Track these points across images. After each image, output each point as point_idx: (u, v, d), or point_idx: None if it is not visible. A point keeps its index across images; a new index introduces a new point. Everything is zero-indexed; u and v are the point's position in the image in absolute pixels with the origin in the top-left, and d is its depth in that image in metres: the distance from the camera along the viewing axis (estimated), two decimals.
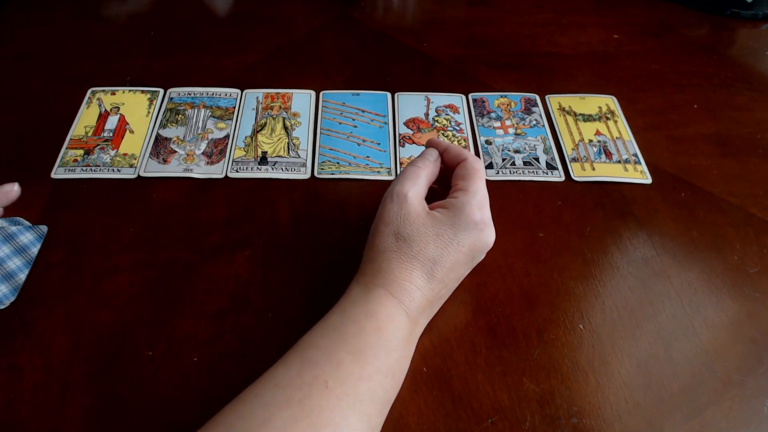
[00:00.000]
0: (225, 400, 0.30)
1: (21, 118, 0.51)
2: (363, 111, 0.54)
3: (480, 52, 0.62)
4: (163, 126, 0.51)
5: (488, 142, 0.51)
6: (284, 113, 0.53)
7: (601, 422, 0.34)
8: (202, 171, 0.47)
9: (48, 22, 0.64)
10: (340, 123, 0.52)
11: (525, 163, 0.49)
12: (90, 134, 0.50)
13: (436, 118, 0.53)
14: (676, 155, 0.51)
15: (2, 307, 0.37)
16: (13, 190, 0.40)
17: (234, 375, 0.35)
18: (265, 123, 0.52)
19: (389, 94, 0.55)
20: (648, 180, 0.48)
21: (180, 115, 0.52)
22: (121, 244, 0.42)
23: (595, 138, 0.52)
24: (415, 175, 0.37)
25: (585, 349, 0.37)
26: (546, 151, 0.50)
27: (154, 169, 0.47)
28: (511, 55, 0.61)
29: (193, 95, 0.54)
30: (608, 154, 0.50)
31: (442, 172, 0.40)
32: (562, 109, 0.55)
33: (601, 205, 0.46)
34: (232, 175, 0.47)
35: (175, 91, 0.54)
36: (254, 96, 0.54)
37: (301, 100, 0.54)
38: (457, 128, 0.52)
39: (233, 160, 0.48)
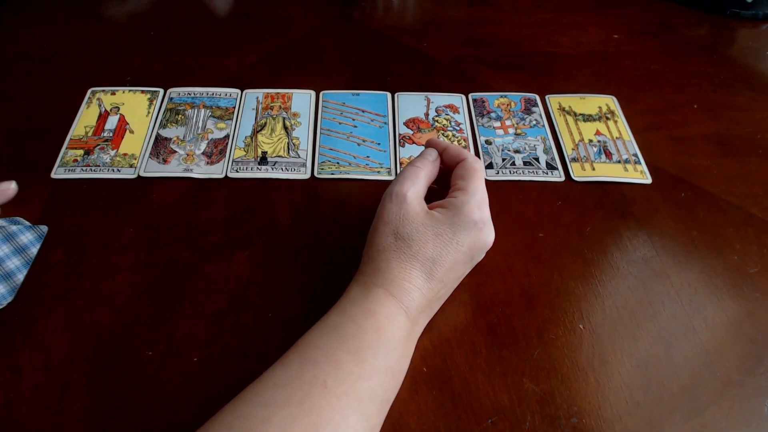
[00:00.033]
0: (225, 400, 0.30)
1: (21, 118, 0.51)
2: (363, 111, 0.54)
3: (480, 52, 0.62)
4: (163, 126, 0.51)
5: (488, 142, 0.51)
6: (284, 113, 0.53)
7: (601, 422, 0.34)
8: (202, 171, 0.47)
9: (48, 22, 0.64)
10: (340, 123, 0.52)
11: (525, 163, 0.49)
12: (90, 134, 0.50)
13: (436, 118, 0.53)
14: (676, 155, 0.51)
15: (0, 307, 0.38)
16: (10, 188, 0.40)
17: (234, 375, 0.35)
18: (265, 123, 0.52)
19: (389, 94, 0.55)
20: (648, 180, 0.48)
21: (180, 115, 0.52)
22: (121, 244, 0.42)
23: (595, 138, 0.52)
24: (414, 175, 0.37)
25: (585, 349, 0.37)
26: (546, 151, 0.50)
27: (154, 169, 0.47)
28: (511, 55, 0.61)
29: (193, 95, 0.54)
30: (608, 154, 0.50)
31: (442, 172, 0.40)
32: (562, 109, 0.55)
33: (601, 205, 0.46)
34: (232, 175, 0.47)
35: (175, 91, 0.55)
36: (254, 96, 0.54)
37: (301, 100, 0.54)
38: (457, 128, 0.52)
39: (233, 160, 0.48)
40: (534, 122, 0.53)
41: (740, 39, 0.66)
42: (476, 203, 0.35)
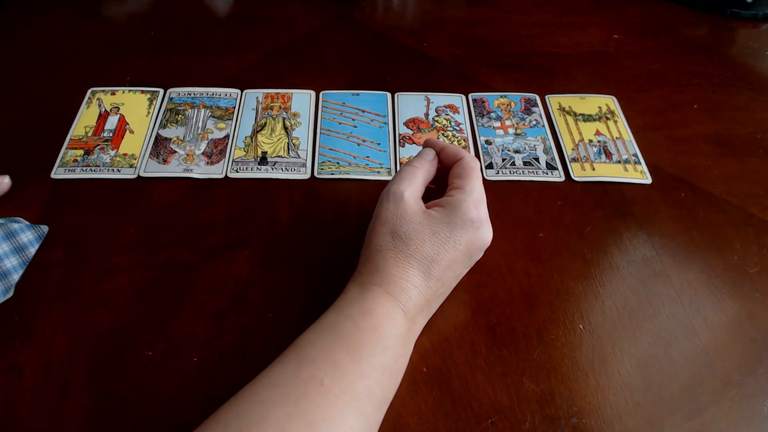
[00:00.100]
0: (225, 400, 0.30)
1: (21, 118, 0.51)
2: (363, 111, 0.54)
3: (480, 52, 0.62)
4: (163, 126, 0.51)
5: (488, 142, 0.51)
6: (284, 113, 0.53)
7: (601, 422, 0.34)
8: (202, 171, 0.47)
9: (48, 22, 0.64)
10: (340, 123, 0.52)
11: (525, 163, 0.49)
12: (90, 134, 0.50)
13: (436, 118, 0.53)
14: (676, 155, 0.51)
15: None
16: (4, 182, 0.40)
17: (234, 375, 0.35)
18: (265, 123, 0.52)
19: (389, 94, 0.55)
20: (648, 180, 0.48)
21: (180, 115, 0.52)
22: (121, 244, 0.42)
23: (595, 138, 0.52)
24: (412, 175, 0.37)
25: (585, 349, 0.37)
26: (546, 151, 0.50)
27: (154, 169, 0.47)
28: (511, 55, 0.61)
29: (193, 95, 0.54)
30: (608, 154, 0.50)
31: (439, 172, 0.40)
32: (562, 109, 0.55)
33: (601, 205, 0.46)
34: (232, 175, 0.47)
35: (175, 91, 0.55)
36: (254, 96, 0.54)
37: (301, 100, 0.54)
38: (457, 128, 0.52)
39: (233, 160, 0.48)
40: (534, 122, 0.53)
41: (740, 39, 0.66)
42: (473, 202, 0.35)
